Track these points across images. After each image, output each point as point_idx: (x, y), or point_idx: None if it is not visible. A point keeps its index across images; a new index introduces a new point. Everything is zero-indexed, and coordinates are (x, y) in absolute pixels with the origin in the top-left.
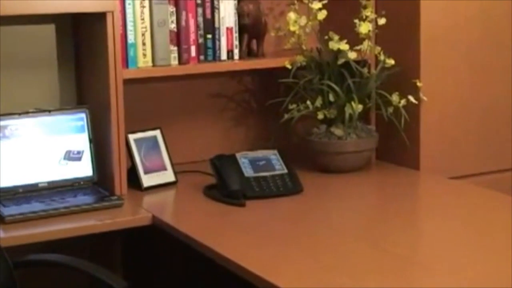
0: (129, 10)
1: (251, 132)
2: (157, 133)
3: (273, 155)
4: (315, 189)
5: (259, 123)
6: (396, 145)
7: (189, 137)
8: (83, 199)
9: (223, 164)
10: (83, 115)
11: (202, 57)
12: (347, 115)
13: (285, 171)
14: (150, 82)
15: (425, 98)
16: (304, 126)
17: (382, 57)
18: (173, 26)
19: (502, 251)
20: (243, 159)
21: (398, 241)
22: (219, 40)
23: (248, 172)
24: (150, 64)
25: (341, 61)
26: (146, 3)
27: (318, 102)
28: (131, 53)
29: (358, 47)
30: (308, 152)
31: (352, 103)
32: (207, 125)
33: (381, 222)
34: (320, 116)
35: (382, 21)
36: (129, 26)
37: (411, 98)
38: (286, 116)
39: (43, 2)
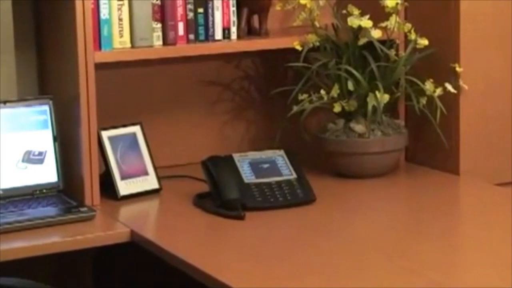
0: None
1: (252, 128)
2: (136, 129)
3: (279, 156)
4: (330, 199)
5: (262, 118)
6: (430, 144)
7: (176, 135)
8: (46, 211)
9: (218, 168)
10: (46, 108)
11: (191, 37)
12: (370, 107)
13: (294, 176)
14: (128, 67)
15: (465, 87)
16: (317, 121)
17: (413, 36)
18: None
19: None
20: (242, 162)
21: (434, 263)
22: (213, 16)
23: (248, 177)
24: (128, 45)
25: (362, 41)
26: None
27: (335, 91)
28: (104, 31)
29: (383, 24)
30: (322, 153)
31: (376, 92)
32: (198, 120)
33: (412, 240)
34: (337, 108)
35: None
36: None
37: (448, 86)
38: (295, 108)
39: None
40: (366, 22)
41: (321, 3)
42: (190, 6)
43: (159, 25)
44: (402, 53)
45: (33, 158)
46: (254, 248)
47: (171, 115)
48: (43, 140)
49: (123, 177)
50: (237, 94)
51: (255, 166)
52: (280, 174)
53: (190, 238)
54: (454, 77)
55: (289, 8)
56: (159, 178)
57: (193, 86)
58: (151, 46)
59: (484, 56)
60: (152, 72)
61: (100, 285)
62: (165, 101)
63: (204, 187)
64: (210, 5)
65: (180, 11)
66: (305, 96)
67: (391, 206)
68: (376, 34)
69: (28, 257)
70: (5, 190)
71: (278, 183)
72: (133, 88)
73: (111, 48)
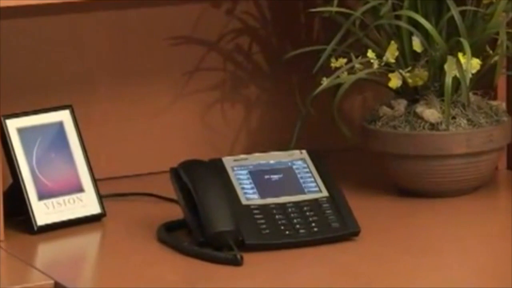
0: None
1: (254, 116)
2: (64, 116)
3: (299, 161)
4: (383, 233)
5: (270, 99)
6: None
7: (128, 127)
8: None
9: (198, 180)
10: None
11: None
12: (448, 80)
13: (324, 193)
14: (43, 15)
15: None
16: (362, 102)
17: None
18: None
19: None
20: (239, 170)
21: None
22: None
23: (248, 195)
24: None
25: None
26: None
27: (391, 54)
28: None
29: None
30: (371, 155)
31: (460, 55)
32: (165, 103)
33: None
34: (395, 82)
35: None
36: None
37: None
38: (325, 82)
39: None
40: None
41: None
42: None
43: None
44: None
45: None
46: None
47: (121, 94)
48: None
49: (42, 196)
50: (229, 60)
51: (259, 178)
52: (301, 190)
53: None
54: None
55: None
56: (101, 198)
57: (156, 48)
58: None
59: None
60: (85, 23)
61: None
62: (110, 73)
63: (176, 212)
64: None
65: None
66: (341, 62)
67: (489, 248)
68: None
69: None
70: None
71: (298, 205)
72: (56, 52)
73: None
